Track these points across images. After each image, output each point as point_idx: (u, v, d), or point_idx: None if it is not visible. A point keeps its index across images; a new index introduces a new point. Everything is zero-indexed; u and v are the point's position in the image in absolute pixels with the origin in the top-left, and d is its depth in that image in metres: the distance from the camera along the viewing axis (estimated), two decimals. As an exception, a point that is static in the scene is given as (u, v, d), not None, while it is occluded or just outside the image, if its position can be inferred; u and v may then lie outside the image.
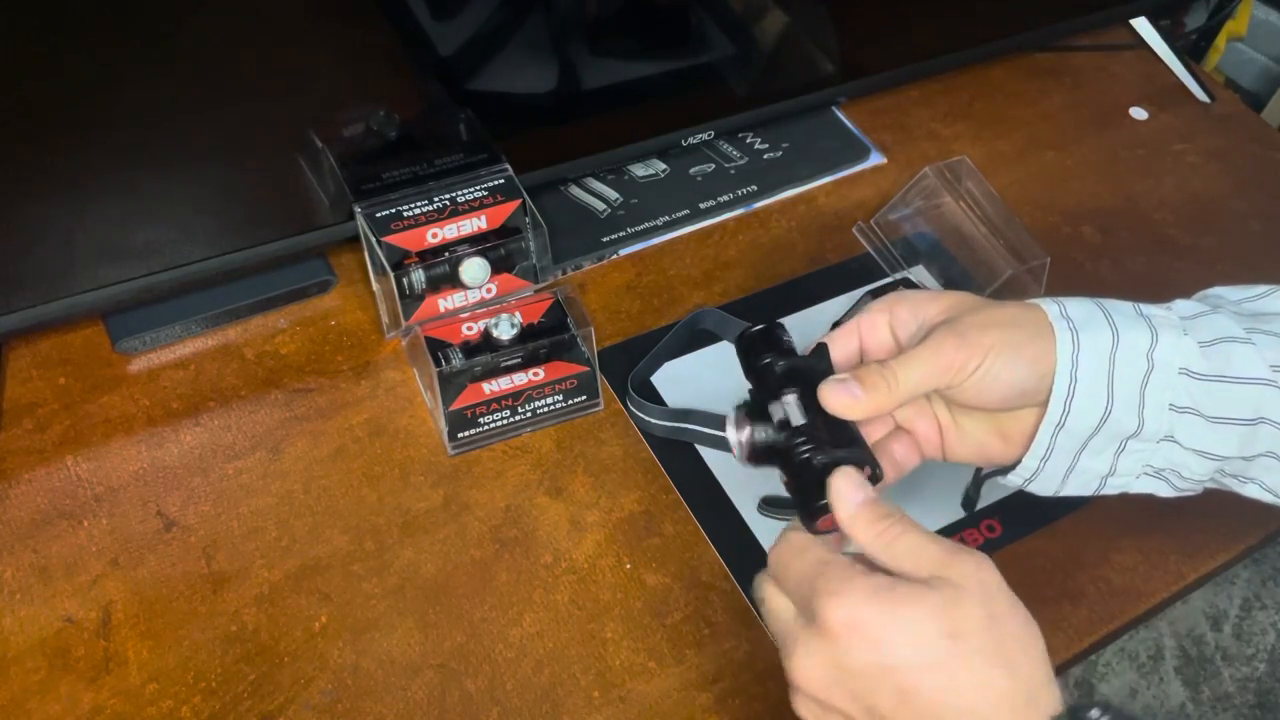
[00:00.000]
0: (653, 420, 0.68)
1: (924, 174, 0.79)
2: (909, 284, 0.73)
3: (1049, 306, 0.49)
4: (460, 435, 0.66)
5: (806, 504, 0.46)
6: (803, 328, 0.74)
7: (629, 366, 0.70)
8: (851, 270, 0.79)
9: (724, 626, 0.61)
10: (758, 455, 0.49)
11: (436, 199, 0.68)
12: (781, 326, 0.52)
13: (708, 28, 0.78)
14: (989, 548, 0.65)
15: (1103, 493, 0.52)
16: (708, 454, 0.68)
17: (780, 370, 0.50)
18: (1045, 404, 0.49)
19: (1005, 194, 0.80)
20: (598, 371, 0.68)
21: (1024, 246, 0.75)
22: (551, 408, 0.68)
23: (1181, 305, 0.51)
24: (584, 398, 0.68)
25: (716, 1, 0.77)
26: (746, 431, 0.49)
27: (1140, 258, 0.84)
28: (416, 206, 0.68)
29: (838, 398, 0.48)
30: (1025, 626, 0.41)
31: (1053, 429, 0.49)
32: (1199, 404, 0.49)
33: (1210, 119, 0.96)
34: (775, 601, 0.45)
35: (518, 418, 0.67)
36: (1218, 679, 1.42)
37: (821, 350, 0.51)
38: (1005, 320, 0.49)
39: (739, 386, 0.71)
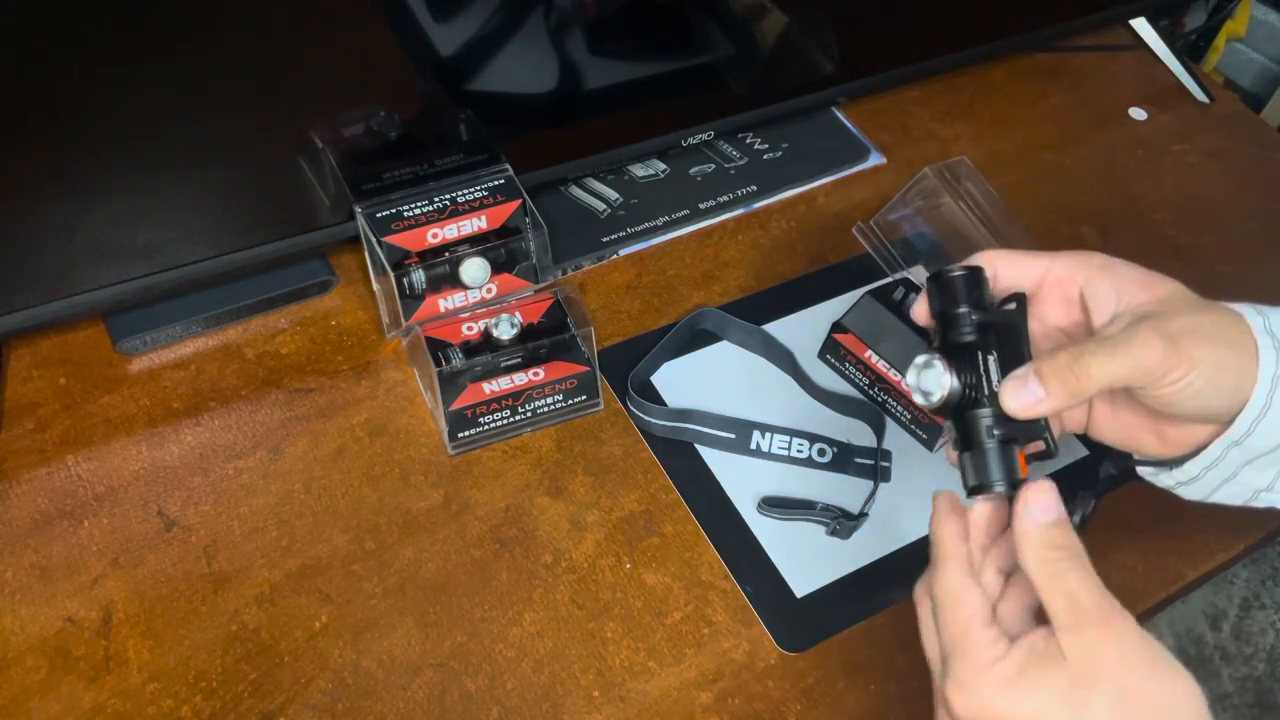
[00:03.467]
0: (653, 420, 0.68)
1: (923, 174, 0.79)
2: (909, 284, 0.73)
3: (1253, 318, 0.47)
4: (460, 435, 0.66)
5: (981, 473, 0.47)
6: (802, 328, 0.75)
7: (629, 366, 0.70)
8: (851, 270, 0.79)
9: (724, 626, 0.61)
10: (944, 409, 0.48)
11: (437, 199, 0.68)
12: (982, 273, 0.49)
13: (708, 28, 0.78)
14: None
15: (1252, 505, 0.51)
16: (708, 454, 0.68)
17: (975, 322, 0.48)
18: (1223, 422, 0.47)
19: (1005, 194, 0.80)
20: (598, 371, 0.68)
21: (1023, 247, 0.75)
22: (551, 408, 0.68)
23: None
24: (584, 398, 0.68)
25: (716, 1, 0.77)
26: (949, 382, 0.47)
27: (1140, 258, 0.82)
28: (417, 206, 0.68)
29: (1019, 399, 0.45)
30: (1165, 694, 0.40)
31: (1228, 444, 0.47)
32: None
33: (1209, 119, 0.96)
34: (926, 631, 0.46)
35: (518, 418, 0.67)
36: (1217, 679, 1.42)
37: (1020, 303, 0.49)
38: (1216, 334, 0.46)
39: (739, 386, 0.72)
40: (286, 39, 0.62)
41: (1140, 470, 0.52)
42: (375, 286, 0.70)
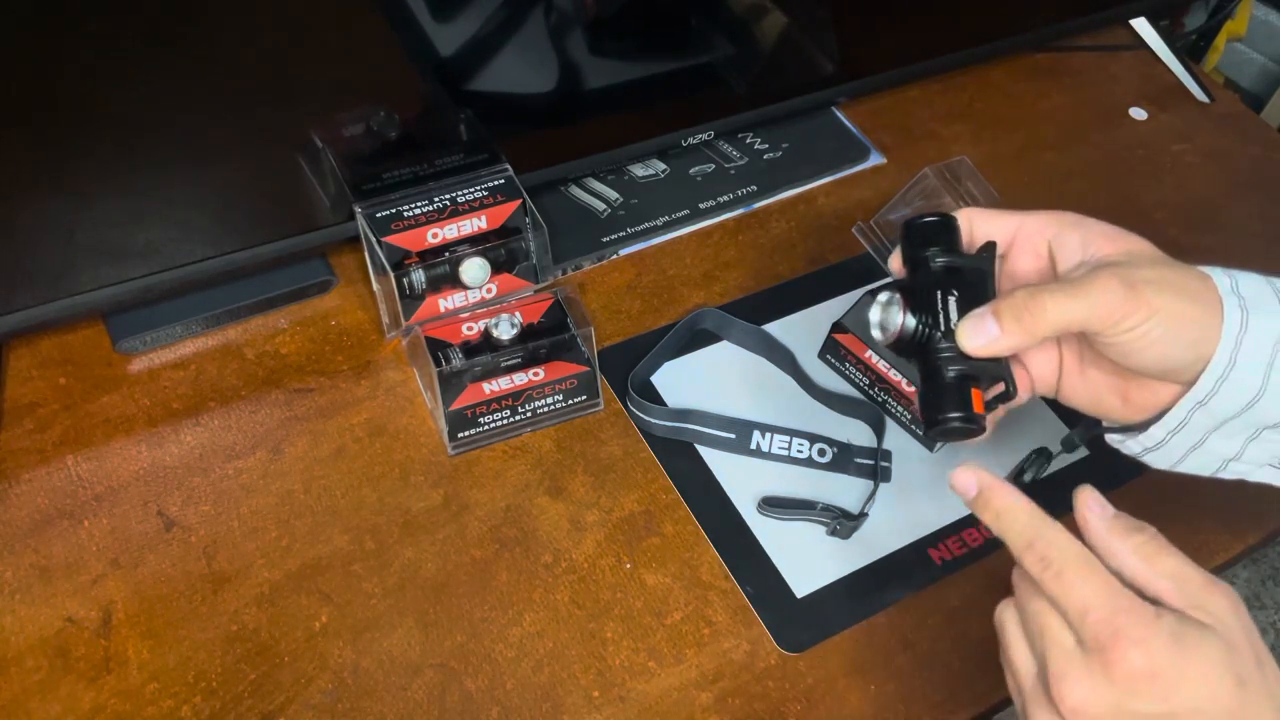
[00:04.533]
0: (653, 420, 0.68)
1: (924, 174, 0.79)
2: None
3: (1221, 279, 0.47)
4: (460, 435, 0.66)
5: (935, 407, 0.48)
6: (803, 328, 0.75)
7: (629, 366, 0.70)
8: (851, 270, 0.79)
9: (724, 626, 0.61)
10: (900, 345, 0.50)
11: (437, 199, 0.68)
12: (953, 221, 0.51)
13: (708, 28, 0.78)
14: (990, 547, 0.65)
15: (1221, 475, 0.51)
16: (708, 454, 0.68)
17: (940, 265, 0.50)
18: (1185, 382, 0.47)
19: (1005, 194, 0.80)
20: (598, 371, 0.68)
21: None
22: (551, 408, 0.68)
23: None
24: (584, 398, 0.68)
25: (716, 1, 0.77)
26: (901, 318, 0.49)
27: (1140, 258, 0.83)
28: (417, 206, 0.68)
29: (976, 338, 0.47)
30: (1274, 660, 0.40)
31: (1193, 405, 0.47)
32: None
33: (1210, 119, 0.96)
34: (1047, 618, 0.41)
35: (518, 418, 0.67)
36: (1217, 679, 1.42)
37: (988, 250, 0.50)
38: (1179, 286, 0.46)
39: (739, 386, 0.72)
40: (286, 38, 0.62)
41: (1109, 438, 0.52)
42: (375, 286, 0.70)
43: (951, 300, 0.49)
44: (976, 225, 0.51)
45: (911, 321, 0.49)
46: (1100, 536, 0.42)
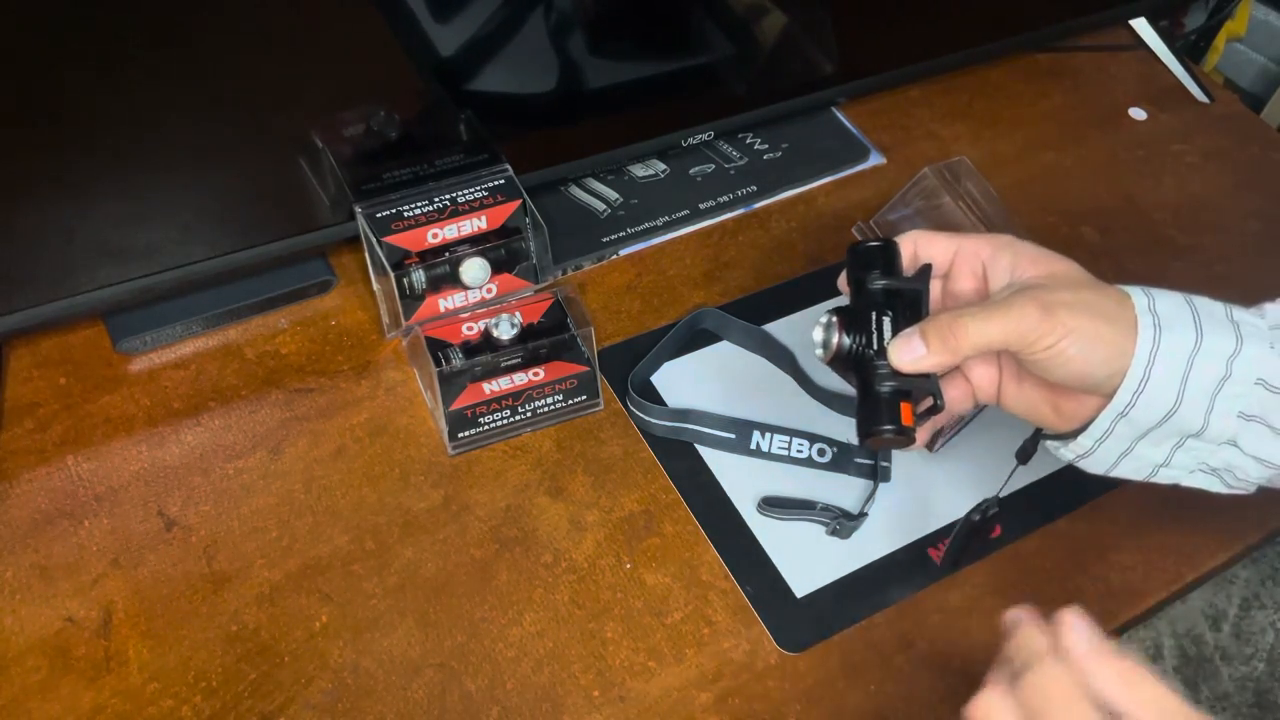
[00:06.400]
0: (653, 420, 0.68)
1: (923, 174, 0.79)
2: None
3: (1139, 298, 0.50)
4: (460, 435, 0.66)
5: (869, 419, 0.52)
6: (803, 328, 0.75)
7: (629, 366, 0.70)
8: (851, 270, 0.79)
9: (724, 626, 0.61)
10: (839, 362, 0.53)
11: (437, 199, 0.68)
12: (894, 246, 0.55)
13: (708, 28, 0.78)
14: (989, 548, 0.65)
15: (1154, 480, 0.53)
16: (708, 454, 0.68)
17: (879, 288, 0.54)
18: (1107, 394, 0.50)
19: (1005, 194, 0.80)
20: (598, 371, 0.68)
21: (1023, 247, 0.75)
22: (551, 408, 0.68)
23: (1274, 312, 0.52)
24: (584, 398, 0.68)
25: (716, 1, 0.77)
26: (837, 338, 0.53)
27: (1139, 258, 0.84)
28: (417, 207, 0.68)
29: (901, 355, 0.50)
30: None
31: (1114, 416, 0.50)
32: (1269, 415, 0.49)
33: (1209, 119, 0.96)
34: None
35: (518, 418, 0.67)
36: (1216, 678, 1.42)
37: (924, 272, 0.54)
38: (1095, 308, 0.49)
39: (739, 386, 0.72)
40: (287, 39, 0.62)
41: (1048, 445, 0.55)
42: (375, 286, 0.70)
43: (886, 321, 0.53)
44: (921, 247, 0.55)
45: (846, 341, 0.53)
46: (1089, 660, 0.42)
